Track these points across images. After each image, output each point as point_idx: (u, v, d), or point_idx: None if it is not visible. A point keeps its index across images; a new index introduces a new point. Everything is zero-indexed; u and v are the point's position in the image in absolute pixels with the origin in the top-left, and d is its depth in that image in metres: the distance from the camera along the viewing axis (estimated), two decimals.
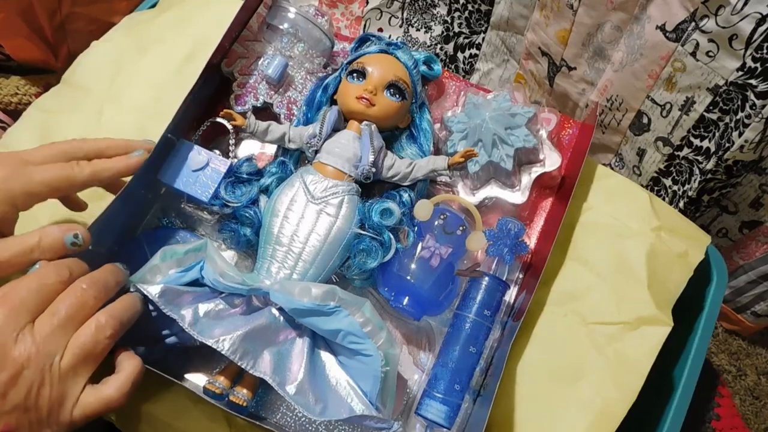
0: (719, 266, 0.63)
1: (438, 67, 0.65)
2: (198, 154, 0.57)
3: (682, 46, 0.69)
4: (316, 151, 0.57)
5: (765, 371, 1.11)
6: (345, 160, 0.56)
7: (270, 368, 0.47)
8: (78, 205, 0.56)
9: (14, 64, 0.97)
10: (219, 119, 0.58)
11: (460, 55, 0.99)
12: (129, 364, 0.45)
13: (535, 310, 0.58)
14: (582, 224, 0.62)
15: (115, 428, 0.56)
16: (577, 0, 0.75)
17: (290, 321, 0.51)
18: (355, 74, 0.58)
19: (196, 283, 0.52)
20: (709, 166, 0.74)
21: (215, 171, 0.57)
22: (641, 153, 0.85)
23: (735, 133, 0.69)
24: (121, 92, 0.67)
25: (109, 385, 0.44)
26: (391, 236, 0.55)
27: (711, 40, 0.65)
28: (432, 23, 0.96)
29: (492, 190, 0.61)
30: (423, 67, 0.63)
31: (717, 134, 0.72)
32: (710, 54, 0.67)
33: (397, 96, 0.58)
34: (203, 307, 0.49)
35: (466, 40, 0.96)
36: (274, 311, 0.51)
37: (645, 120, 0.80)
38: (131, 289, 0.48)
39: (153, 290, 0.47)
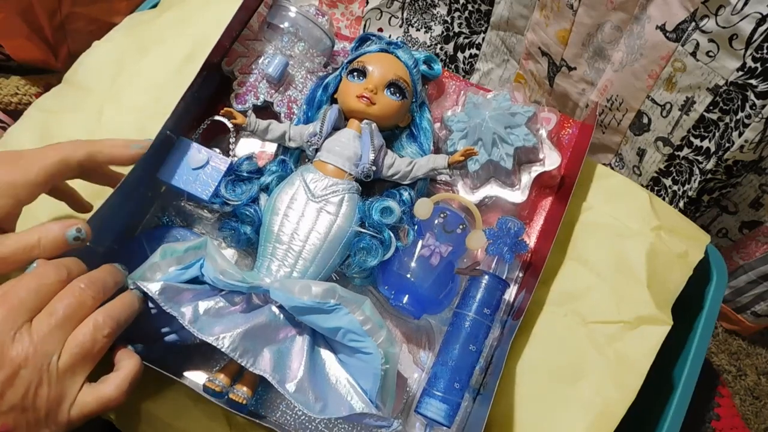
0: (719, 266, 0.63)
1: (438, 66, 0.65)
2: (198, 153, 0.57)
3: (682, 46, 0.69)
4: (317, 150, 0.57)
5: (765, 371, 1.11)
6: (345, 158, 0.56)
7: (270, 366, 0.47)
8: (82, 206, 0.56)
9: (14, 64, 0.97)
10: (219, 117, 0.58)
11: (460, 55, 0.99)
12: (128, 363, 0.45)
13: (535, 310, 0.58)
14: (582, 224, 0.62)
15: (114, 428, 0.56)
16: (577, 0, 0.75)
17: (290, 319, 0.51)
18: (355, 73, 0.58)
19: (196, 280, 0.52)
20: (709, 166, 0.74)
21: (215, 169, 0.57)
22: (641, 153, 0.85)
23: (735, 133, 0.69)
24: (121, 92, 0.67)
25: (107, 384, 0.44)
26: (392, 235, 0.55)
27: (711, 40, 0.66)
28: (432, 23, 0.96)
29: (492, 189, 0.61)
30: (423, 67, 0.63)
31: (717, 134, 0.72)
32: (710, 54, 0.67)
33: (398, 95, 0.58)
34: (203, 305, 0.49)
35: (466, 40, 0.96)
36: (274, 309, 0.51)
37: (645, 120, 0.81)
38: (131, 287, 0.48)
39: (153, 287, 0.47)
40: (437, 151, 0.63)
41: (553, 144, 0.62)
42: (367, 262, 0.54)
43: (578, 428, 0.53)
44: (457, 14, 0.93)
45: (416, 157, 0.60)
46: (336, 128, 0.58)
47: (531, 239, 0.62)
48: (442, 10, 0.94)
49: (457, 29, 0.95)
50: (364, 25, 0.97)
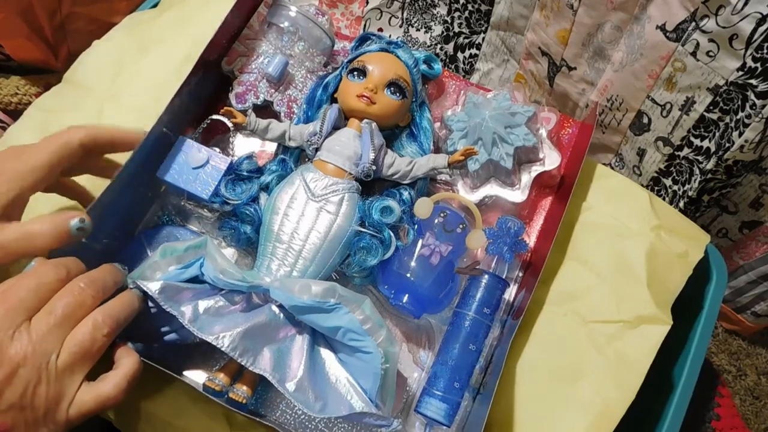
0: (719, 265, 0.63)
1: (438, 66, 0.65)
2: (198, 152, 0.57)
3: (683, 46, 0.69)
4: (317, 149, 0.57)
5: (765, 371, 1.11)
6: (345, 158, 0.56)
7: (270, 365, 0.47)
8: (88, 200, 0.56)
9: (14, 64, 0.97)
10: (219, 117, 0.58)
11: (460, 55, 0.99)
12: (127, 361, 0.45)
13: (535, 310, 0.58)
14: (582, 224, 0.62)
15: (113, 427, 0.56)
16: (577, 0, 0.75)
17: (290, 318, 0.51)
18: (355, 72, 0.58)
19: (196, 280, 0.52)
20: (709, 166, 0.74)
21: (215, 168, 0.57)
22: (641, 153, 0.85)
23: (735, 133, 0.69)
24: (121, 92, 0.67)
25: (105, 383, 0.44)
26: (392, 234, 0.55)
27: (711, 40, 0.66)
28: (432, 23, 0.96)
29: (492, 189, 0.61)
30: (423, 66, 0.63)
31: (717, 134, 0.72)
32: (710, 54, 0.67)
33: (398, 94, 0.58)
34: (203, 304, 0.49)
35: (466, 40, 0.96)
36: (274, 308, 0.51)
37: (645, 120, 0.81)
38: (131, 286, 0.48)
39: (153, 287, 0.47)
40: (437, 150, 0.63)
41: (553, 144, 0.62)
42: (367, 261, 0.54)
43: (578, 428, 0.53)
44: (457, 14, 0.93)
45: (416, 156, 0.60)
46: (336, 128, 0.58)
47: (531, 239, 0.62)
48: (442, 10, 0.94)
49: (457, 29, 0.95)
50: (364, 25, 0.97)
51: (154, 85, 0.67)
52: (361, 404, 0.48)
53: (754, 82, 0.64)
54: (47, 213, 0.46)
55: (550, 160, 0.61)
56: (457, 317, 0.56)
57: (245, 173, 0.57)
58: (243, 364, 0.47)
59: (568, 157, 0.64)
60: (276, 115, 0.63)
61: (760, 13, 0.60)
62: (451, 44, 0.98)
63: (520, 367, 0.56)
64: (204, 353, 0.56)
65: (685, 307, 0.60)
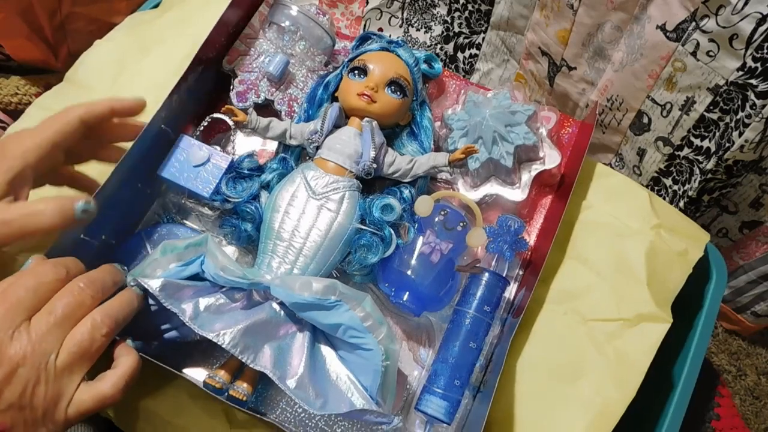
0: (718, 264, 0.63)
1: (438, 65, 0.65)
2: (199, 150, 0.57)
3: (683, 45, 0.69)
4: (317, 148, 0.57)
5: (765, 371, 1.11)
6: (346, 156, 0.56)
7: (270, 362, 0.47)
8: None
9: (14, 64, 0.97)
10: (220, 115, 0.59)
11: (460, 55, 0.99)
12: (125, 360, 0.45)
13: (535, 308, 0.58)
14: (582, 223, 0.62)
15: (113, 425, 0.56)
16: (577, 0, 0.76)
17: (291, 315, 0.51)
18: (356, 71, 0.58)
19: (197, 277, 0.52)
20: (710, 166, 0.74)
21: (216, 166, 0.57)
22: (641, 153, 0.85)
23: (735, 133, 0.69)
24: (122, 92, 0.67)
25: (104, 382, 0.44)
26: (392, 232, 0.55)
27: (711, 40, 0.66)
28: (432, 23, 0.97)
29: (492, 187, 0.61)
30: (424, 66, 0.63)
31: (717, 134, 0.73)
32: (710, 54, 0.67)
33: (398, 93, 0.58)
34: (204, 302, 0.49)
35: (466, 40, 0.96)
36: (275, 306, 0.51)
37: (645, 120, 0.81)
38: (131, 283, 0.48)
39: (154, 284, 0.47)
40: (438, 149, 0.63)
41: (553, 143, 0.62)
42: (367, 259, 0.54)
43: (578, 426, 0.53)
44: (457, 14, 0.93)
45: (417, 155, 0.60)
46: (337, 126, 0.58)
47: (531, 237, 0.62)
48: (442, 10, 0.94)
49: (457, 29, 0.95)
50: (364, 25, 0.98)
51: (155, 85, 0.67)
52: (361, 401, 0.48)
53: (754, 82, 0.64)
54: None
55: (550, 158, 0.61)
56: (457, 315, 0.56)
57: (246, 171, 0.58)
58: (244, 361, 0.47)
59: (568, 156, 0.65)
60: (277, 114, 0.63)
61: (760, 13, 0.60)
62: (451, 44, 0.98)
63: (520, 366, 0.56)
64: (204, 351, 0.56)
65: (685, 307, 0.60)
